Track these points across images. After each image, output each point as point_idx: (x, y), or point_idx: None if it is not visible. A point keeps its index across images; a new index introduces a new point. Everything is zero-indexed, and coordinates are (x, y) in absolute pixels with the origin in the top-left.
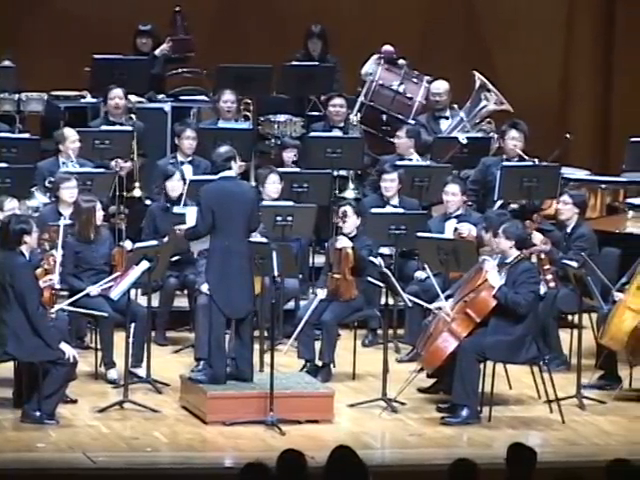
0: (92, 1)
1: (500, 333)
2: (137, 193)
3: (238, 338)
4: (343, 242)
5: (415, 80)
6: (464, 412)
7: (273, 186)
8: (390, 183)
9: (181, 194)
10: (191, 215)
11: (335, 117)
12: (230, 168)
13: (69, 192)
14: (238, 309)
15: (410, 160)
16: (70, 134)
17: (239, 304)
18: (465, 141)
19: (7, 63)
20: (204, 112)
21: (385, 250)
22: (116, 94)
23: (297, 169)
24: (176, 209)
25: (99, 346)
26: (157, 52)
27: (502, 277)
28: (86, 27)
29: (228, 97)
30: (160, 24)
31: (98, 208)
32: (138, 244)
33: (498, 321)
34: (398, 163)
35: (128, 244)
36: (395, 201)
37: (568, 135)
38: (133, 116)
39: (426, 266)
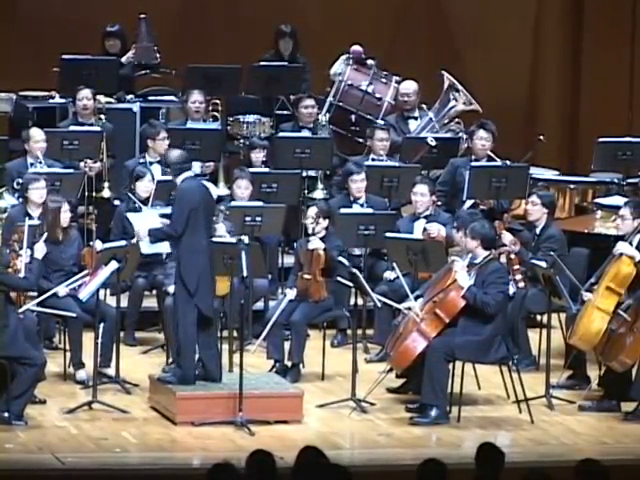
0: (60, 1)
1: (469, 333)
2: (106, 194)
3: (205, 338)
4: (315, 243)
5: (384, 80)
6: (433, 412)
7: (240, 191)
8: (360, 183)
9: (149, 195)
10: (136, 220)
11: (307, 118)
12: (190, 169)
13: (38, 193)
14: (212, 306)
15: (381, 160)
16: (35, 134)
17: (212, 301)
18: (433, 142)
19: None
20: (173, 112)
21: (355, 250)
22: (84, 95)
23: (266, 169)
24: (145, 210)
25: (68, 347)
26: (124, 59)
27: (471, 277)
28: (54, 27)
29: (196, 97)
30: (129, 25)
31: (64, 209)
32: (107, 244)
33: (467, 321)
34: (365, 163)
35: (99, 244)
36: (362, 200)
37: (542, 137)
38: (102, 117)
39: (395, 266)
